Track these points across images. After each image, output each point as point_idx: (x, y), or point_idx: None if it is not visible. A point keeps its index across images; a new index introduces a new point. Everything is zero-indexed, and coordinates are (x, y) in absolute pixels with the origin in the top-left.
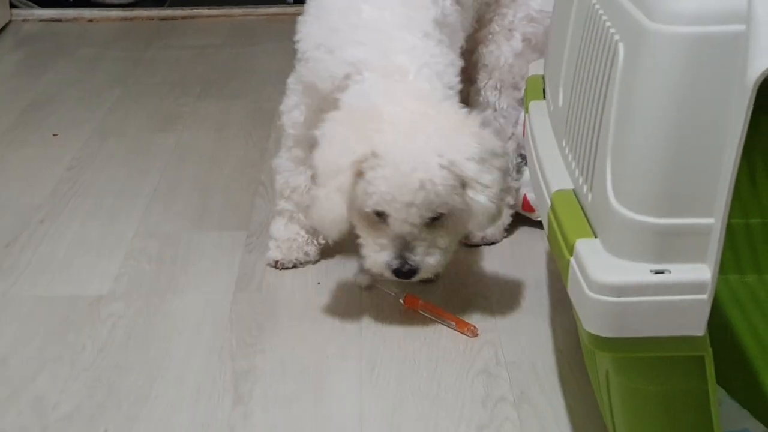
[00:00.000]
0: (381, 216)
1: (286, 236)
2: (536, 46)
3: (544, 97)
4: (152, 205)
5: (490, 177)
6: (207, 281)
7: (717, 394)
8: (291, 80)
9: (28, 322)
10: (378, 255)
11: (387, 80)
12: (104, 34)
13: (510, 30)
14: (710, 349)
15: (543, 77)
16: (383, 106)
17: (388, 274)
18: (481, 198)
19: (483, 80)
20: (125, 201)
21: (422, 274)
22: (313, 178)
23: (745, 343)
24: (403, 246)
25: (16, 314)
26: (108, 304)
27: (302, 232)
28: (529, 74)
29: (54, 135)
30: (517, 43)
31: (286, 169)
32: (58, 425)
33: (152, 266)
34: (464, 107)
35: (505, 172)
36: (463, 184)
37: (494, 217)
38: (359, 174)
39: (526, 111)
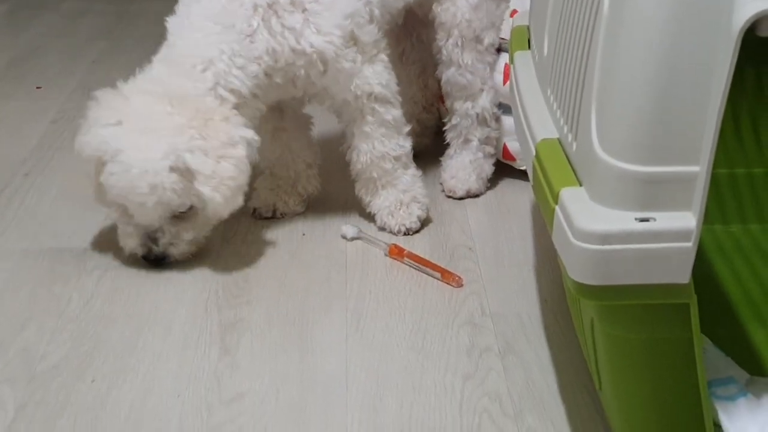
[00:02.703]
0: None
1: (265, 186)
2: None
3: (529, 47)
4: None
5: (213, 167)
6: None
7: (701, 343)
8: None
9: (14, 274)
10: (126, 240)
11: (160, 68)
12: None
13: None
14: (695, 297)
15: (528, 27)
16: (132, 95)
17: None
18: (204, 189)
19: (442, 39)
20: None
21: (172, 259)
22: None
23: (730, 292)
24: (147, 235)
25: (2, 267)
26: (94, 256)
27: (281, 183)
28: (514, 25)
29: (38, 88)
30: None
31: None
32: (45, 375)
33: None
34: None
35: (239, 160)
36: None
37: (225, 205)
38: (102, 164)
39: (511, 62)
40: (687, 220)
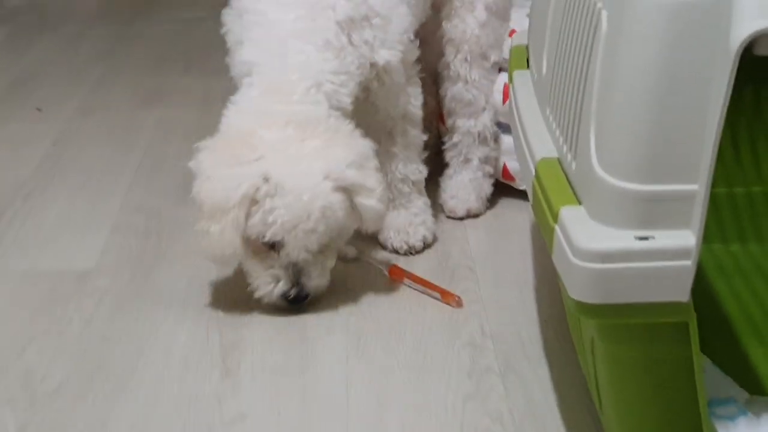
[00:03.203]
0: (273, 246)
1: None
2: (499, 13)
3: (528, 66)
4: (137, 180)
5: (372, 179)
6: (193, 255)
7: (702, 362)
8: None
9: (14, 296)
10: (269, 286)
11: (270, 97)
12: (89, 9)
13: (471, 2)
14: (695, 315)
15: (527, 47)
16: (260, 130)
17: (280, 304)
18: (371, 202)
19: (451, 54)
20: (110, 176)
21: (315, 294)
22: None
23: (729, 312)
24: (297, 272)
25: (2, 289)
26: (95, 278)
27: None
28: (513, 45)
29: (38, 110)
30: (480, 13)
31: None
32: (46, 397)
33: (138, 241)
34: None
35: (378, 170)
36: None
37: (383, 215)
38: (253, 204)
39: (510, 81)
40: (686, 238)
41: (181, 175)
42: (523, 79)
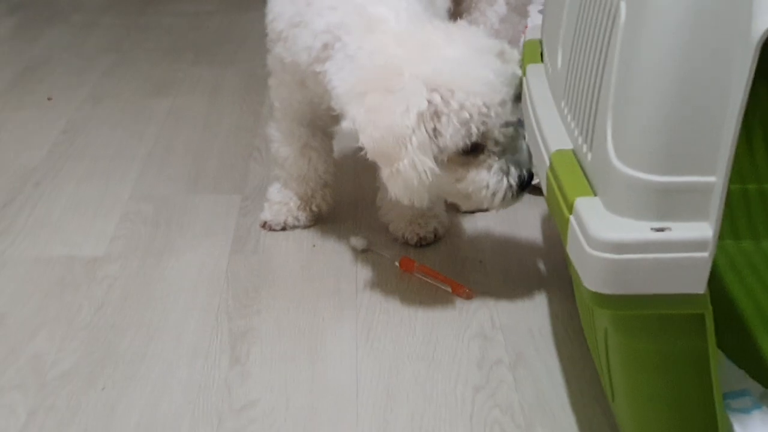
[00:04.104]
0: (475, 149)
1: (279, 199)
2: (519, 9)
3: (542, 60)
4: (147, 168)
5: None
6: (203, 243)
7: (717, 353)
8: (269, 60)
9: (25, 282)
10: (506, 181)
11: (373, 35)
12: (97, 1)
13: None
14: (710, 307)
15: (540, 41)
16: (390, 52)
17: (509, 198)
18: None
19: None
20: (120, 164)
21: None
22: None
23: (742, 307)
24: (512, 158)
25: (13, 275)
26: (104, 265)
27: (295, 198)
28: (526, 39)
29: (48, 99)
30: (501, 7)
31: (276, 139)
32: (56, 383)
33: (148, 228)
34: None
35: None
36: None
37: None
38: (433, 120)
39: (524, 74)
40: (703, 230)
41: (191, 164)
42: (537, 72)
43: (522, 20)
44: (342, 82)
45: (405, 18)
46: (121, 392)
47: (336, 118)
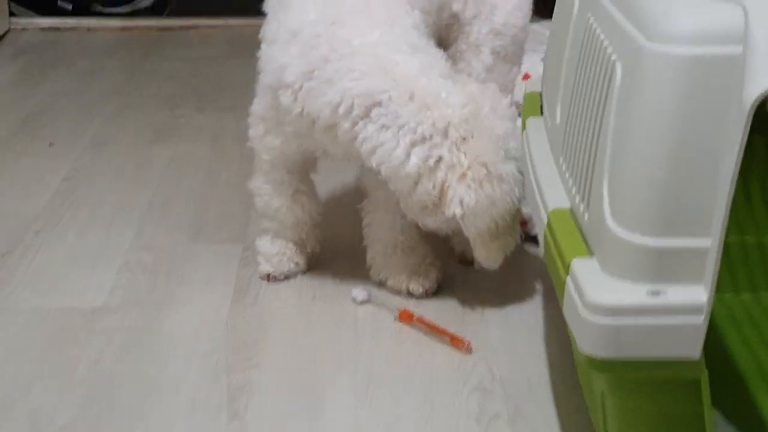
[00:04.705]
0: None
1: (276, 250)
2: (507, 58)
3: (542, 113)
4: (148, 216)
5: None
6: (202, 294)
7: (713, 418)
8: (258, 108)
9: (23, 333)
10: None
11: (412, 102)
12: (103, 44)
13: (477, 46)
14: (706, 372)
15: (540, 93)
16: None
17: None
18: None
19: None
20: (121, 212)
21: None
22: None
23: (741, 362)
24: None
25: (11, 325)
26: (103, 316)
27: (290, 245)
28: (527, 91)
29: (51, 145)
30: (486, 57)
31: (265, 192)
32: None
33: (148, 279)
34: None
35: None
36: None
37: None
38: None
39: (524, 127)
40: (698, 294)
41: (192, 213)
42: (536, 126)
43: (513, 68)
44: (404, 154)
45: (436, 76)
46: None
47: (314, 161)
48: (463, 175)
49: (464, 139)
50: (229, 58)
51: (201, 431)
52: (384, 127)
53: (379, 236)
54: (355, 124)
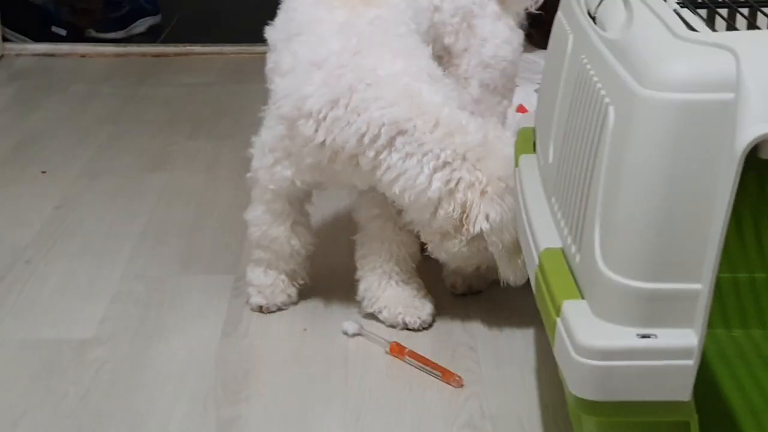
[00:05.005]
0: None
1: (268, 282)
2: (496, 90)
3: (535, 150)
4: (140, 246)
5: None
6: (193, 326)
7: None
8: (267, 139)
9: (11, 365)
10: None
11: (437, 130)
12: (97, 70)
13: (466, 78)
14: (696, 416)
15: (534, 129)
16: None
17: None
18: None
19: None
20: (113, 242)
21: None
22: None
23: (731, 400)
24: None
25: None
26: (93, 348)
27: (282, 276)
28: (520, 127)
29: (43, 172)
30: (474, 89)
31: (264, 222)
32: None
33: (138, 310)
34: None
35: None
36: None
37: None
38: None
39: (516, 164)
40: (689, 337)
41: (184, 243)
42: (529, 164)
43: (503, 101)
44: (427, 180)
45: (455, 106)
46: None
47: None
48: (484, 192)
49: (479, 159)
50: (224, 84)
51: None
52: (408, 155)
53: (374, 267)
54: (379, 153)
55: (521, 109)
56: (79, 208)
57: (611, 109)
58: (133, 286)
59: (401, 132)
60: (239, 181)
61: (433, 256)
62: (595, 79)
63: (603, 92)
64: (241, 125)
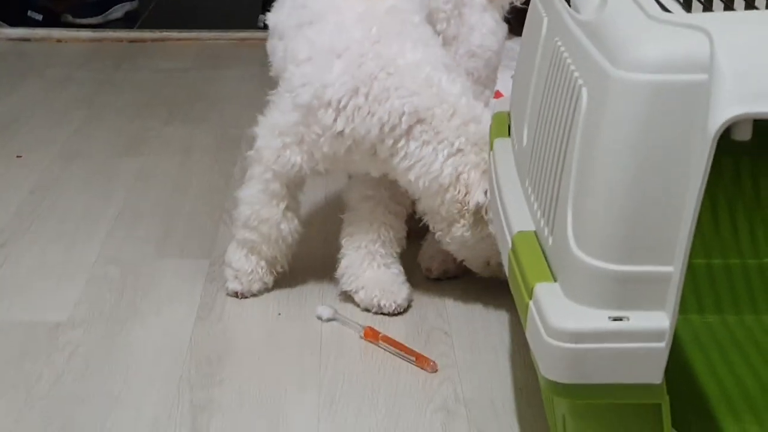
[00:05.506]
0: None
1: (248, 268)
2: (479, 80)
3: (509, 134)
4: (115, 230)
5: None
6: (168, 310)
7: None
8: (280, 122)
9: None
10: None
11: (454, 119)
12: (73, 55)
13: None
14: (667, 398)
15: (508, 114)
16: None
17: None
18: None
19: None
20: (88, 225)
21: None
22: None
23: (704, 385)
24: None
25: None
26: (66, 331)
27: (262, 263)
28: (495, 111)
29: (18, 156)
30: None
31: (258, 201)
32: None
33: (113, 293)
34: None
35: None
36: None
37: None
38: None
39: (491, 148)
40: (660, 320)
41: (159, 227)
42: (504, 147)
43: (486, 91)
44: (440, 167)
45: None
46: None
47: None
48: (486, 171)
49: (487, 143)
50: (200, 70)
51: None
52: (425, 143)
53: (359, 246)
54: (397, 141)
55: (497, 94)
56: (54, 191)
57: (584, 91)
58: (107, 269)
59: (420, 120)
60: (214, 166)
61: (443, 248)
62: (569, 61)
63: (576, 74)
64: (216, 110)
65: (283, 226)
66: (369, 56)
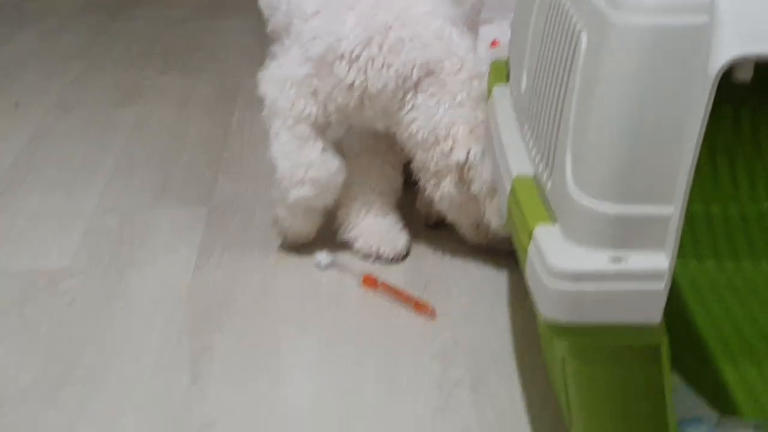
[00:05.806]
0: None
1: (307, 229)
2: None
3: (508, 81)
4: (113, 179)
5: None
6: (166, 258)
7: (672, 382)
8: (290, 75)
9: None
10: None
11: (460, 73)
12: (69, 5)
13: None
14: (666, 338)
15: (507, 61)
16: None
17: None
18: None
19: None
20: (85, 175)
21: None
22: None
23: (702, 330)
24: None
25: None
26: (66, 279)
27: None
28: (493, 59)
29: (16, 105)
30: None
31: (292, 150)
32: (14, 399)
33: (111, 242)
34: None
35: None
36: None
37: None
38: None
39: (489, 95)
40: (660, 260)
41: (157, 176)
42: (502, 93)
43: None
44: (440, 118)
45: (477, 53)
46: (79, 410)
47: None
48: (474, 130)
49: (484, 100)
50: (198, 20)
51: (162, 394)
52: (431, 95)
53: (356, 196)
54: (406, 93)
55: (494, 43)
56: (52, 141)
57: (583, 35)
58: (106, 218)
59: (429, 73)
60: (212, 116)
61: (436, 208)
62: (568, 4)
63: (575, 18)
64: (214, 61)
65: (330, 165)
66: (382, 7)
